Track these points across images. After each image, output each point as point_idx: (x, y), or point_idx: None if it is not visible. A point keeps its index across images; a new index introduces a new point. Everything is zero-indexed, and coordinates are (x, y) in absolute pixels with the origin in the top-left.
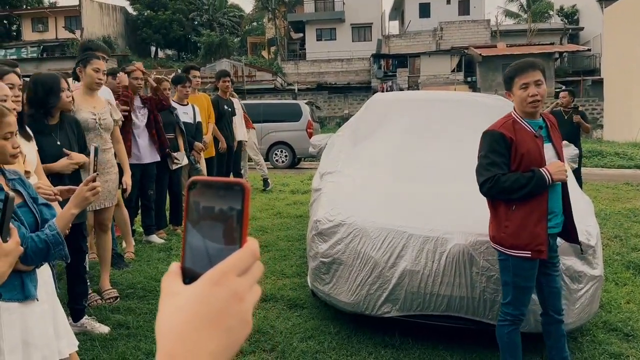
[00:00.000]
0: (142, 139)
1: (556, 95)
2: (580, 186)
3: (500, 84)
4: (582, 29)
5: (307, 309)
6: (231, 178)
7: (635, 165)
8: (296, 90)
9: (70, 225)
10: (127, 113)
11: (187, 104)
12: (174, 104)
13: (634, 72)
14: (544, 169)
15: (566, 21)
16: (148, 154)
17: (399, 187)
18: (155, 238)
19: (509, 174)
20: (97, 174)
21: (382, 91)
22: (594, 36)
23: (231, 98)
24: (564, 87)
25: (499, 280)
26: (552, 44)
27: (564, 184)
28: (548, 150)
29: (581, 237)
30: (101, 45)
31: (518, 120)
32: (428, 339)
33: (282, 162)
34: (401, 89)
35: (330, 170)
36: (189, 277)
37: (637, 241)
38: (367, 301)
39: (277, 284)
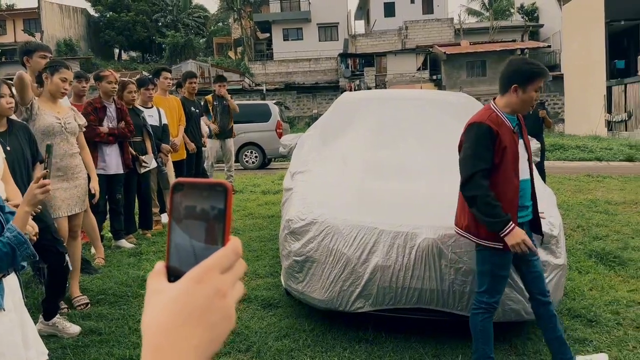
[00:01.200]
0: (110, 148)
1: None
2: (544, 179)
3: (465, 81)
4: (542, 26)
5: (282, 308)
6: (213, 179)
7: (595, 158)
8: (264, 91)
9: (38, 230)
10: (93, 123)
11: (152, 106)
12: (139, 108)
13: (591, 67)
14: (512, 229)
15: (526, 18)
16: (114, 165)
17: (369, 184)
18: (124, 243)
19: (492, 199)
20: (48, 171)
21: (350, 90)
22: (553, 33)
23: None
24: None
25: (467, 272)
26: (513, 41)
27: (532, 179)
28: (520, 146)
29: (544, 228)
30: (41, 45)
31: (500, 114)
32: (400, 332)
33: (252, 162)
34: (369, 88)
35: (301, 169)
36: (174, 275)
37: (599, 230)
38: (340, 297)
39: (251, 284)
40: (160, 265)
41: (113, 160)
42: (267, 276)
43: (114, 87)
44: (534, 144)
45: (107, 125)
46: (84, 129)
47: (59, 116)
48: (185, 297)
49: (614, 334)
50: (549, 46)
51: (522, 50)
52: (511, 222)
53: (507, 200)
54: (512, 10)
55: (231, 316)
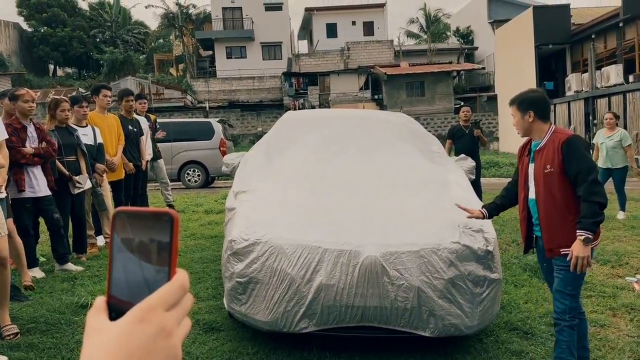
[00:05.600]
0: (37, 170)
1: (456, 111)
2: (480, 196)
3: (405, 101)
4: (476, 48)
5: (224, 332)
6: (159, 208)
7: None
8: (207, 108)
9: None
10: (16, 145)
11: (87, 125)
12: (73, 126)
13: (523, 87)
14: None
15: (462, 41)
16: (43, 187)
17: (312, 203)
18: (71, 266)
19: None
20: None
21: (295, 108)
22: (487, 55)
23: (137, 117)
24: (462, 103)
25: (409, 288)
26: (450, 62)
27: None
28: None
29: (479, 244)
30: None
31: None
32: (344, 351)
33: (195, 181)
34: (313, 107)
35: (244, 188)
36: (115, 311)
37: None
38: (284, 318)
39: (192, 308)
40: (100, 301)
41: (41, 182)
42: (209, 299)
43: (31, 107)
44: (469, 162)
45: (29, 146)
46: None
47: None
48: (126, 338)
49: (548, 346)
50: (484, 68)
51: (458, 71)
52: None
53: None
54: (448, 34)
55: (177, 356)
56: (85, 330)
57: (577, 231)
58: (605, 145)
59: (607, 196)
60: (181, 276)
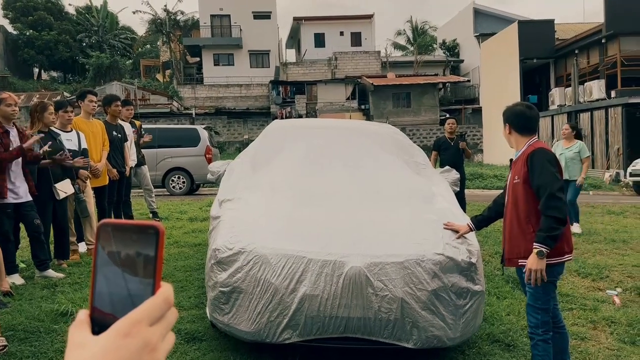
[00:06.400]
0: (19, 175)
1: (442, 123)
2: (464, 207)
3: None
4: (462, 61)
5: (206, 342)
6: (145, 221)
7: None
8: (194, 115)
9: None
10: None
11: (71, 130)
12: (56, 131)
13: (507, 101)
14: None
15: (448, 54)
16: (23, 192)
17: (298, 212)
18: (52, 273)
19: None
20: None
21: (282, 117)
22: (472, 68)
23: (121, 123)
24: (448, 115)
25: (392, 299)
26: (436, 74)
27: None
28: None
29: (462, 256)
30: None
31: None
32: None
33: (180, 188)
34: (300, 115)
35: (229, 197)
36: (98, 325)
37: None
38: (267, 329)
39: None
40: (83, 314)
41: (22, 187)
42: (191, 308)
43: (14, 110)
44: (453, 174)
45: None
46: None
47: None
48: (109, 353)
49: (530, 358)
50: (469, 80)
51: (444, 83)
52: None
53: None
54: (434, 46)
55: None
56: (67, 345)
57: (533, 244)
58: (565, 156)
59: (565, 211)
60: (166, 290)
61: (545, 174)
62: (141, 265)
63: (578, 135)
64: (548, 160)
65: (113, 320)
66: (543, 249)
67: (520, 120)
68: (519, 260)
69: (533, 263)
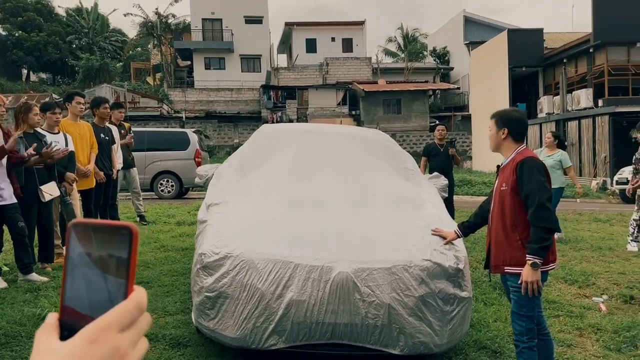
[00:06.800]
0: (3, 177)
1: (431, 129)
2: (453, 214)
3: (382, 117)
4: (452, 69)
5: (191, 347)
6: (119, 221)
7: None
8: (184, 118)
9: None
10: None
11: (58, 132)
12: (43, 132)
13: (496, 108)
14: None
15: (438, 61)
16: (8, 194)
17: (285, 218)
18: (35, 277)
19: None
20: None
21: (273, 121)
22: (462, 75)
23: (109, 125)
24: (437, 122)
25: (379, 305)
26: (426, 81)
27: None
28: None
29: (450, 262)
30: None
31: None
32: None
33: (168, 192)
34: (291, 120)
35: (216, 201)
36: (67, 329)
37: None
38: (253, 335)
39: (159, 322)
40: (52, 318)
41: (7, 190)
42: (177, 313)
43: (2, 111)
44: (442, 180)
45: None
46: None
47: None
48: None
49: None
50: (459, 88)
51: (434, 90)
52: None
53: None
54: (425, 53)
55: None
56: (32, 351)
57: (526, 256)
58: (545, 163)
59: (554, 220)
60: (138, 294)
61: (535, 183)
62: (114, 267)
63: (561, 145)
64: (537, 169)
65: (84, 321)
66: (537, 261)
67: (519, 128)
68: (506, 268)
69: (528, 275)
